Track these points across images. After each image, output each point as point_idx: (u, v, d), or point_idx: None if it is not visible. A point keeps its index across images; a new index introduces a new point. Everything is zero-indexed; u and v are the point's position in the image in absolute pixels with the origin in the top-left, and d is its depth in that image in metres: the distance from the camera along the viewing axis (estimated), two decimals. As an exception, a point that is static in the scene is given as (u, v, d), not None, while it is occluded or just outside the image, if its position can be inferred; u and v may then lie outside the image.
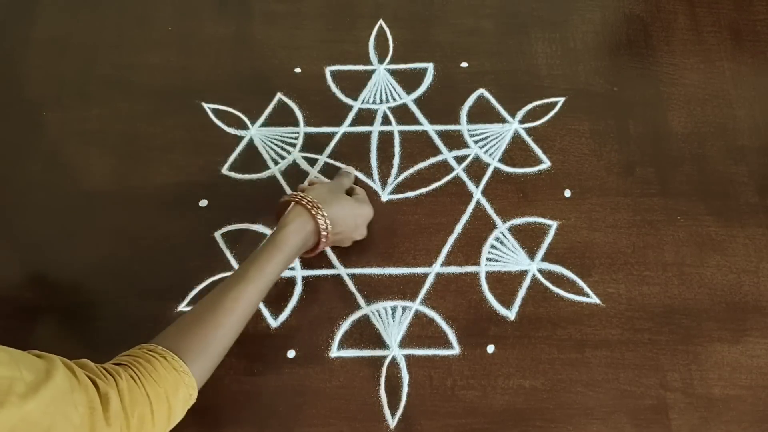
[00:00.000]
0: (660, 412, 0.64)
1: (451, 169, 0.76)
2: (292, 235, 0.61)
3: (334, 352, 0.67)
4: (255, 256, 0.60)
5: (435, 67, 0.82)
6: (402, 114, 0.80)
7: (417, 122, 0.79)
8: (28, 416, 0.41)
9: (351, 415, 0.64)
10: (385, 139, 0.78)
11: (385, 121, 0.79)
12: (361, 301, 0.69)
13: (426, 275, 0.71)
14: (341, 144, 0.78)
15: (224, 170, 0.76)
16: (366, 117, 0.79)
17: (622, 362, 0.66)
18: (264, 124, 0.79)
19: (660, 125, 0.78)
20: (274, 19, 0.86)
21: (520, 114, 0.79)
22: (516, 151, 0.77)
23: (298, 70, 0.82)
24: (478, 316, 0.68)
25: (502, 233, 0.73)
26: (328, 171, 0.76)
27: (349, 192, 0.71)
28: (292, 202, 0.63)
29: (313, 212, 0.62)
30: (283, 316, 0.69)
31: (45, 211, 0.74)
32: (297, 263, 0.71)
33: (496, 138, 0.78)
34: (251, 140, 0.78)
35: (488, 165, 0.76)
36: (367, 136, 0.78)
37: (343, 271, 0.71)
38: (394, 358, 0.67)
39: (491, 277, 0.70)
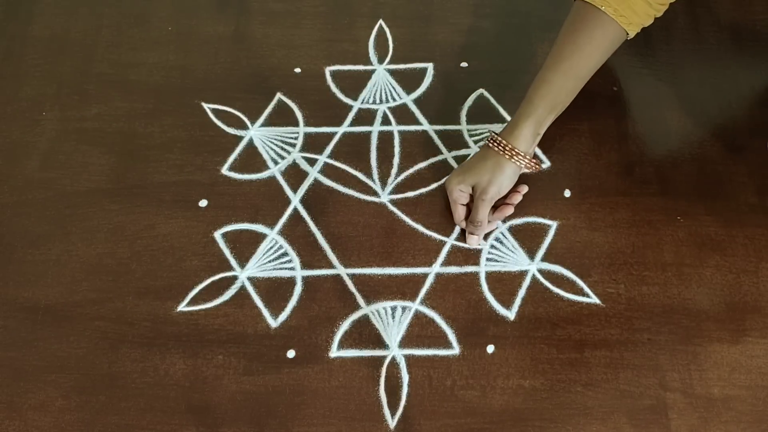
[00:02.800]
0: (659, 412, 0.64)
1: (451, 169, 0.76)
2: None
3: (334, 352, 0.67)
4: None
5: (435, 67, 0.82)
6: (402, 114, 0.80)
7: (417, 122, 0.79)
8: None
9: (350, 415, 0.64)
10: (385, 139, 0.78)
11: (385, 121, 0.79)
12: (360, 301, 0.69)
13: (426, 275, 0.70)
14: (341, 144, 0.78)
15: (224, 170, 0.76)
16: (366, 117, 0.79)
17: (621, 362, 0.66)
18: (264, 124, 0.79)
19: (659, 125, 0.78)
20: (274, 18, 0.86)
21: (519, 114, 0.79)
22: (516, 151, 0.77)
23: (297, 69, 0.82)
24: (477, 316, 0.68)
25: (502, 233, 0.73)
26: (329, 171, 0.76)
27: None
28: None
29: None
30: (283, 316, 0.69)
31: (43, 209, 0.74)
32: (297, 263, 0.71)
33: (496, 138, 0.78)
34: (251, 140, 0.78)
35: (488, 165, 0.76)
36: (366, 136, 0.78)
37: (342, 271, 0.71)
38: (393, 358, 0.67)
39: (491, 277, 0.70)
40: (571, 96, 0.71)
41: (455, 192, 0.71)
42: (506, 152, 0.68)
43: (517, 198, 0.73)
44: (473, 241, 0.71)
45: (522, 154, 0.69)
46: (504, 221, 0.73)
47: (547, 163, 0.76)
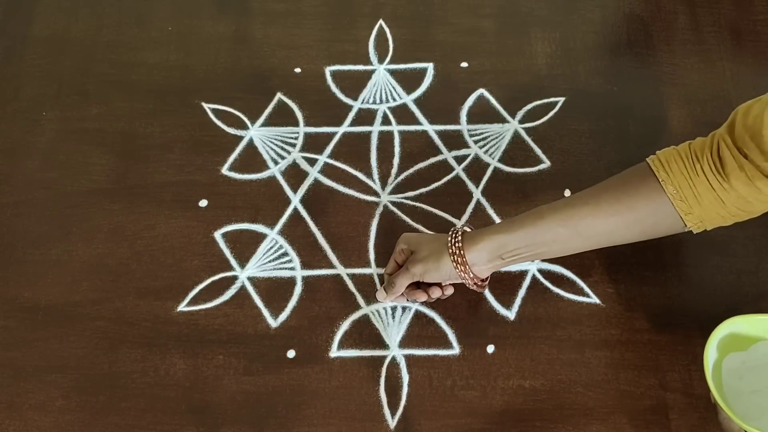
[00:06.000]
0: (659, 413, 0.64)
1: (451, 169, 0.76)
2: None
3: (334, 352, 0.67)
4: None
5: (435, 67, 0.82)
6: (402, 114, 0.80)
7: (417, 122, 0.79)
8: None
9: (350, 415, 0.64)
10: (385, 139, 0.78)
11: (385, 121, 0.79)
12: (361, 301, 0.69)
13: (426, 275, 0.70)
14: (341, 144, 0.78)
15: (224, 170, 0.76)
16: (366, 117, 0.79)
17: (621, 362, 0.66)
18: (264, 124, 0.79)
19: (660, 125, 0.78)
20: (274, 18, 0.86)
21: (519, 114, 0.79)
22: (516, 151, 0.77)
23: (297, 69, 0.82)
24: (478, 316, 0.68)
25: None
26: (329, 171, 0.76)
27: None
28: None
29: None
30: (283, 316, 0.69)
31: (44, 209, 0.74)
32: (297, 263, 0.71)
33: (496, 138, 0.78)
34: (251, 140, 0.78)
35: (488, 165, 0.76)
36: (367, 136, 0.78)
37: (342, 271, 0.71)
38: (393, 358, 0.67)
39: (491, 277, 0.70)
40: (566, 251, 0.62)
41: (398, 247, 0.66)
42: (453, 254, 0.61)
43: (436, 293, 0.65)
44: (380, 296, 0.67)
45: (467, 266, 0.61)
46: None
47: (547, 163, 0.76)
